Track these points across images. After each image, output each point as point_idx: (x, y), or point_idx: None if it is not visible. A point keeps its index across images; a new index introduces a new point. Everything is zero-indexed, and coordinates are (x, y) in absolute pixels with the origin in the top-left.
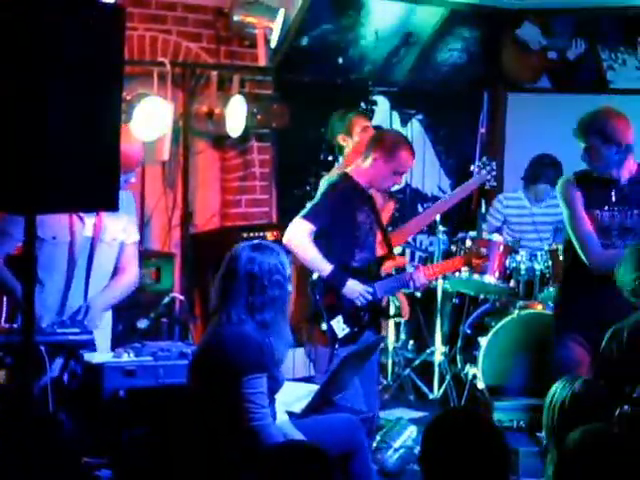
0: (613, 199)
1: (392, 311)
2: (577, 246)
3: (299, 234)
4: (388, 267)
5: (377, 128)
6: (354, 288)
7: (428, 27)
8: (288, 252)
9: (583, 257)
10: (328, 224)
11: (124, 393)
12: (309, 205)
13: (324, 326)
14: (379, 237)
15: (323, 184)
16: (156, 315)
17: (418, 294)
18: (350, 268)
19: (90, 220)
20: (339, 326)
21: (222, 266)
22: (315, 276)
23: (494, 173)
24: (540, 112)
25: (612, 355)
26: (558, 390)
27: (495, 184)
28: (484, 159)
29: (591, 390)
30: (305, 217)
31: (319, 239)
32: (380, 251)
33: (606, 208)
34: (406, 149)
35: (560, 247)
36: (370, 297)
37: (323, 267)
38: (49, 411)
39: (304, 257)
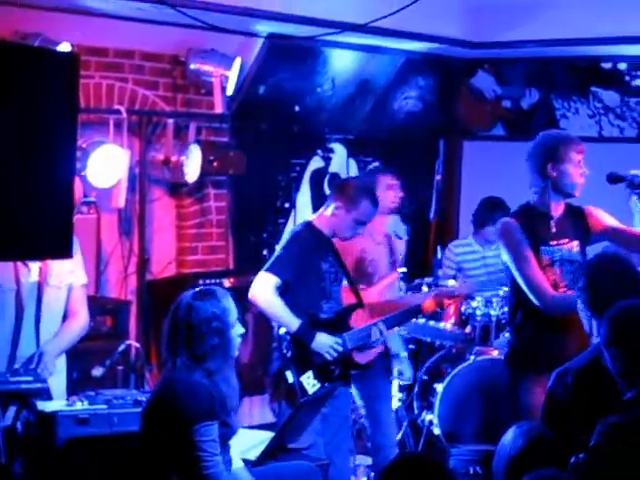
0: (554, 232)
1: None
2: (527, 290)
3: (264, 289)
4: (359, 318)
5: (334, 176)
6: (323, 342)
7: (384, 75)
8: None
9: (535, 302)
10: (293, 275)
11: (78, 442)
12: (272, 257)
13: (291, 380)
14: (345, 286)
15: (286, 234)
16: (111, 363)
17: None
18: (318, 320)
19: (35, 264)
20: (309, 382)
21: (168, 315)
22: (282, 330)
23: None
24: (495, 159)
25: (558, 399)
26: (510, 437)
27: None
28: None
29: (545, 437)
30: (269, 270)
31: (285, 292)
32: (347, 300)
33: (551, 243)
34: (369, 199)
35: None
36: (341, 349)
37: (290, 322)
38: (2, 462)
39: (270, 313)
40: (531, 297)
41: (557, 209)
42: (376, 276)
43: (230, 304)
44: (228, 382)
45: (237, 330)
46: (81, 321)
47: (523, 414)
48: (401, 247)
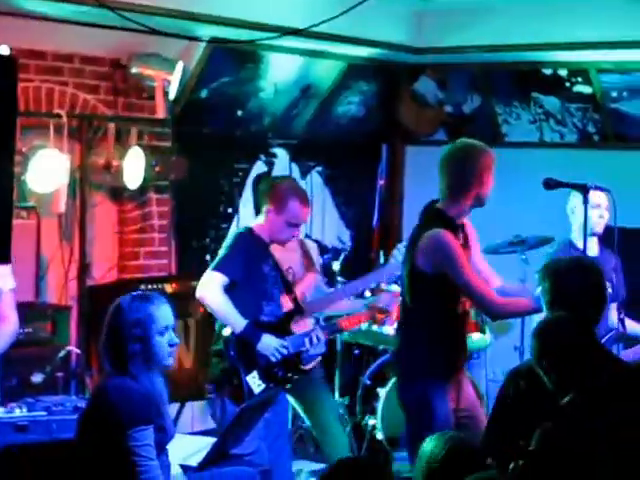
0: (462, 244)
1: None
2: (475, 299)
3: (212, 288)
4: (301, 325)
5: (273, 179)
6: (269, 343)
7: (327, 80)
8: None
9: (485, 309)
10: (240, 275)
11: (16, 449)
12: (218, 257)
13: (236, 381)
14: (284, 293)
15: (229, 236)
16: (51, 369)
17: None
18: (261, 322)
19: None
20: (255, 382)
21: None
22: (228, 331)
23: None
24: (437, 164)
25: (509, 399)
26: (429, 447)
27: None
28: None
29: (463, 447)
30: (217, 269)
31: (228, 291)
32: (286, 306)
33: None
34: (296, 199)
35: None
36: (285, 352)
37: (237, 322)
38: None
39: (218, 312)
40: (480, 305)
41: (463, 219)
42: (297, 284)
43: (160, 311)
44: (154, 388)
45: (166, 339)
46: (11, 326)
47: (438, 421)
48: (314, 249)
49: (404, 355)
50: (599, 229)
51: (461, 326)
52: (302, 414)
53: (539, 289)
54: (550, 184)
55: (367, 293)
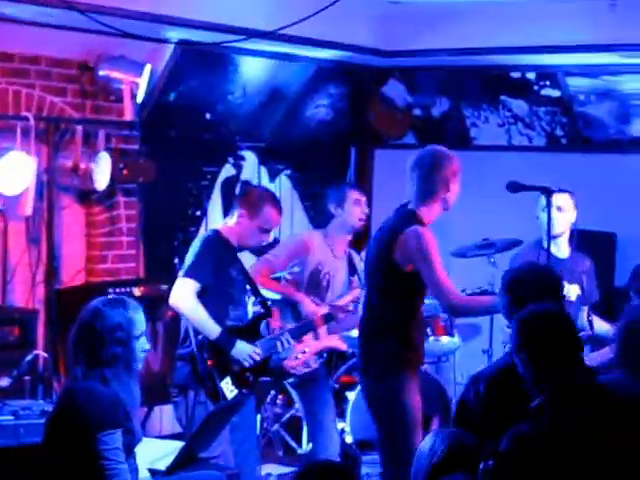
0: None
1: None
2: (437, 291)
3: (185, 294)
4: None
5: (245, 183)
6: (243, 349)
7: (295, 83)
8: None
9: (448, 304)
10: (209, 280)
11: None
12: (187, 263)
13: (210, 384)
14: (252, 296)
15: (196, 241)
16: (19, 373)
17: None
18: (229, 327)
19: None
20: (228, 387)
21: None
22: (201, 336)
23: None
24: (406, 169)
25: (469, 403)
26: (430, 443)
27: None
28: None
29: (465, 442)
30: (188, 275)
31: (198, 297)
32: (253, 310)
33: None
34: (271, 205)
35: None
36: (258, 358)
37: (212, 329)
38: None
39: (193, 319)
40: (442, 298)
41: (432, 221)
42: (330, 291)
43: (138, 316)
44: (129, 391)
45: (141, 344)
46: None
47: (410, 415)
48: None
49: (372, 351)
50: (559, 230)
51: (422, 322)
52: (302, 410)
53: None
54: (513, 187)
55: None
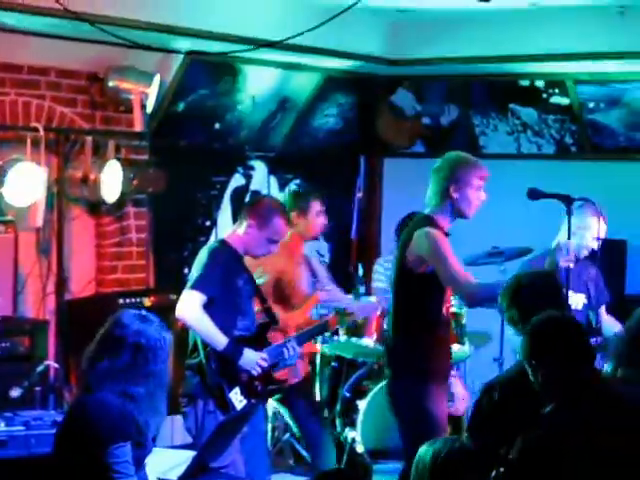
0: None
1: None
2: (453, 281)
3: (192, 307)
4: (273, 336)
5: (255, 193)
6: (251, 358)
7: (304, 93)
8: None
9: (463, 292)
10: (218, 292)
11: None
12: (195, 275)
13: (219, 394)
14: (258, 305)
15: (203, 252)
16: (30, 384)
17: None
18: (235, 337)
19: None
20: (237, 398)
21: (103, 332)
22: (209, 347)
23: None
24: (415, 176)
25: (483, 411)
26: (430, 450)
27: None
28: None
29: (464, 450)
30: (195, 288)
31: (205, 309)
32: (260, 318)
33: None
34: (281, 217)
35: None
36: (265, 365)
37: (219, 340)
38: None
39: (200, 330)
40: (457, 290)
41: (449, 226)
42: (294, 298)
43: (168, 334)
44: (155, 407)
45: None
46: None
47: (434, 425)
48: (322, 267)
49: (400, 359)
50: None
51: (449, 331)
52: (292, 424)
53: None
54: (534, 194)
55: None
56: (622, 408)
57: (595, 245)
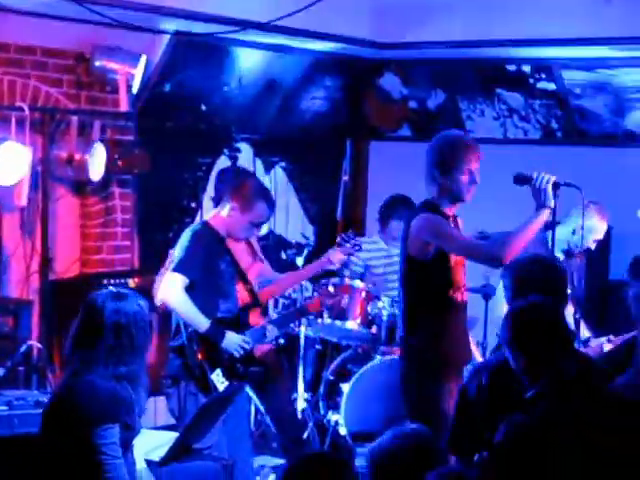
0: None
1: None
2: (466, 254)
3: (174, 289)
4: (255, 317)
5: (240, 172)
6: (233, 340)
7: (291, 75)
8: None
9: (483, 257)
10: (199, 274)
11: None
12: (177, 257)
13: (200, 374)
14: (241, 286)
15: (185, 234)
16: (13, 363)
17: (281, 340)
18: (218, 319)
19: None
20: (218, 379)
21: (81, 317)
22: (191, 329)
23: (357, 247)
24: (402, 160)
25: (470, 396)
26: (391, 444)
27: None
28: (350, 232)
29: (430, 442)
30: (177, 270)
31: (187, 291)
32: (243, 300)
33: None
34: (264, 201)
35: None
36: (248, 347)
37: (201, 322)
38: None
39: (182, 313)
40: (476, 257)
41: (451, 209)
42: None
43: (145, 304)
44: (141, 382)
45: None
46: None
47: (445, 424)
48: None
49: (412, 352)
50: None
51: (463, 317)
52: (260, 405)
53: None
54: (520, 179)
55: (330, 288)
56: (607, 394)
57: (593, 246)
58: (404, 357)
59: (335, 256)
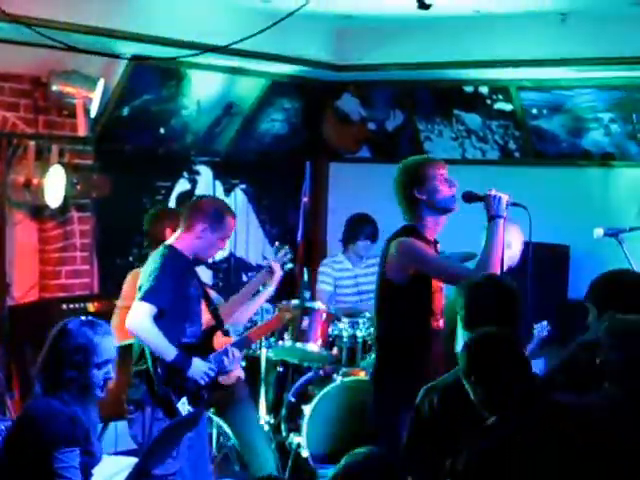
0: None
1: None
2: (446, 280)
3: (142, 319)
4: (220, 342)
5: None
6: (199, 368)
7: (249, 97)
8: None
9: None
10: (168, 302)
11: None
12: (145, 286)
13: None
14: (204, 308)
15: (152, 261)
16: None
17: (242, 363)
18: (183, 344)
19: None
20: (184, 408)
21: (50, 341)
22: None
23: (289, 256)
24: (361, 181)
25: (424, 415)
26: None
27: (292, 266)
28: (277, 244)
29: (386, 464)
30: (144, 299)
31: (155, 319)
32: (207, 322)
33: None
34: (229, 214)
35: None
36: (213, 374)
37: (168, 352)
38: None
39: (149, 342)
40: (460, 279)
41: (434, 230)
42: None
43: (105, 343)
44: (87, 415)
45: (105, 372)
46: None
47: None
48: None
49: (383, 381)
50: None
51: (438, 346)
52: (230, 433)
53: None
54: (471, 197)
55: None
56: (568, 418)
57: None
58: (377, 381)
59: (275, 266)
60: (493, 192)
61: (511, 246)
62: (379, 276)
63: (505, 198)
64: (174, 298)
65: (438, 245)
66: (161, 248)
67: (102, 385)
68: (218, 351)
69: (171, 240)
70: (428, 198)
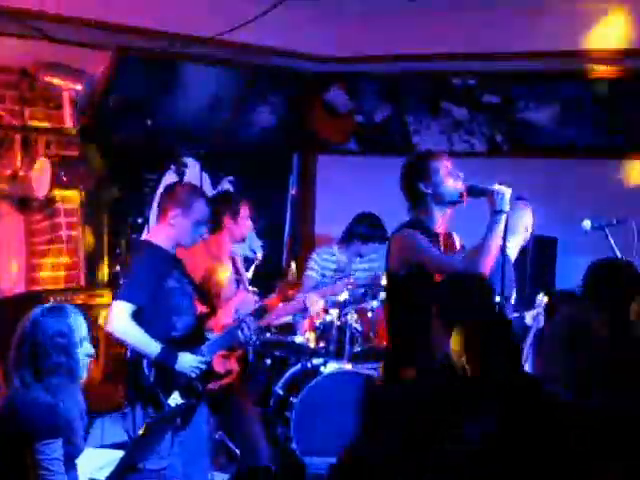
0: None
1: None
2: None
3: (120, 318)
4: (217, 325)
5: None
6: (187, 362)
7: (237, 89)
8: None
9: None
10: (146, 299)
11: None
12: (122, 284)
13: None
14: (197, 298)
15: (131, 258)
16: None
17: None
18: (173, 339)
19: None
20: (175, 402)
21: (18, 334)
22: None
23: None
24: (349, 173)
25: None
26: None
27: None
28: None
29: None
30: (122, 298)
31: (137, 316)
32: (199, 310)
33: None
34: (200, 198)
35: (373, 305)
36: (204, 366)
37: (151, 348)
38: None
39: (130, 342)
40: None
41: (442, 221)
42: (221, 297)
43: (78, 322)
44: (74, 401)
45: (84, 350)
46: None
47: None
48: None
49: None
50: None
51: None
52: (222, 423)
53: None
54: (471, 191)
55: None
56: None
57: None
58: (388, 372)
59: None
60: (497, 187)
61: (527, 229)
62: (385, 270)
63: (509, 193)
64: (152, 293)
65: (454, 238)
66: (135, 245)
67: (85, 364)
68: (230, 326)
69: (149, 234)
70: (434, 191)
